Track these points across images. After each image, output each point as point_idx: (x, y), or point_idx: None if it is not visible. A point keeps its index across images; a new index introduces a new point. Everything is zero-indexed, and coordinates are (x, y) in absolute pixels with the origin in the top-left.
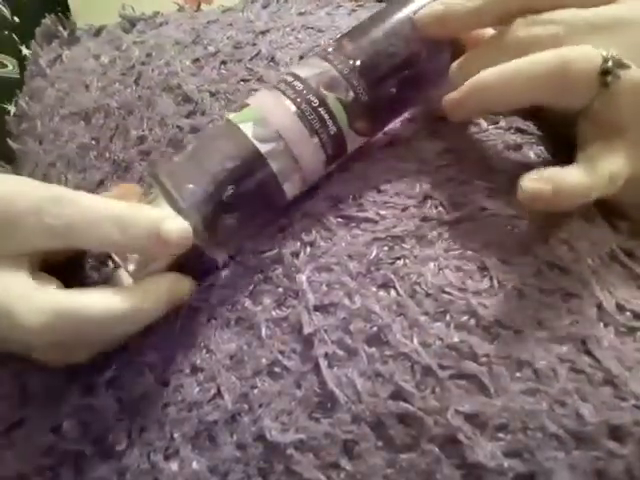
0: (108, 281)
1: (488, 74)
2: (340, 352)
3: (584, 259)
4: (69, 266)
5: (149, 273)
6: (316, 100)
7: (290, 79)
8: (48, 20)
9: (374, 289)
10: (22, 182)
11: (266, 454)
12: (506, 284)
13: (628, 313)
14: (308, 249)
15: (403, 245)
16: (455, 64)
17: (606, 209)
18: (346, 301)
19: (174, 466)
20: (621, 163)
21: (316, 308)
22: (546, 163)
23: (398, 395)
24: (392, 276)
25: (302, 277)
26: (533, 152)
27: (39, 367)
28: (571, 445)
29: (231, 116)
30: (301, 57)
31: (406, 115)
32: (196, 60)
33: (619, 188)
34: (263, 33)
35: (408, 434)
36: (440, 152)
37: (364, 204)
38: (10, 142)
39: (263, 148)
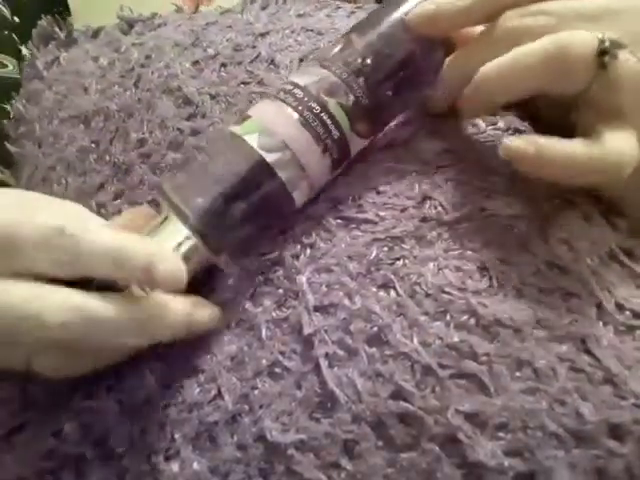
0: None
1: (487, 68)
2: (340, 352)
3: (583, 258)
4: None
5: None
6: (318, 107)
7: (290, 88)
8: (44, 21)
9: (374, 289)
10: (26, 209)
11: (267, 454)
12: (505, 284)
13: (627, 312)
14: (308, 251)
15: (403, 245)
16: (448, 61)
17: (605, 207)
18: (346, 301)
19: (175, 467)
20: (632, 142)
21: (316, 309)
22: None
23: (398, 395)
24: (392, 276)
25: (302, 278)
26: None
27: None
28: (571, 444)
29: (235, 129)
30: (301, 60)
31: (404, 115)
32: (196, 62)
33: (625, 178)
34: (262, 35)
35: (408, 434)
36: (439, 153)
37: (363, 205)
38: (8, 146)
39: (270, 158)
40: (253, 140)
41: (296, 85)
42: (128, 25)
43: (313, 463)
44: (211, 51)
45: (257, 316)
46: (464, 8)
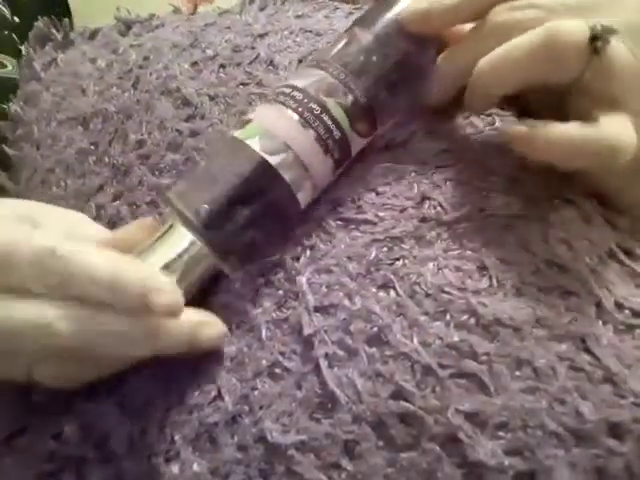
0: None
1: (481, 63)
2: (340, 352)
3: (583, 258)
4: None
5: None
6: (317, 107)
7: (288, 90)
8: (41, 22)
9: (374, 290)
10: (25, 223)
11: (267, 455)
12: (505, 283)
13: (627, 311)
14: (308, 252)
15: (402, 246)
16: (440, 58)
17: (605, 207)
18: (346, 302)
19: (175, 469)
20: (628, 127)
21: (316, 309)
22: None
23: (398, 395)
24: (392, 276)
25: (302, 279)
26: None
27: None
28: (571, 443)
29: (236, 133)
30: (300, 60)
31: (402, 115)
32: (194, 63)
33: (622, 164)
34: (261, 36)
35: (409, 433)
36: (437, 153)
37: (363, 206)
38: (6, 148)
39: (273, 160)
40: (255, 143)
41: (294, 87)
42: (126, 26)
43: (314, 464)
44: (210, 52)
45: (257, 317)
46: (454, 6)
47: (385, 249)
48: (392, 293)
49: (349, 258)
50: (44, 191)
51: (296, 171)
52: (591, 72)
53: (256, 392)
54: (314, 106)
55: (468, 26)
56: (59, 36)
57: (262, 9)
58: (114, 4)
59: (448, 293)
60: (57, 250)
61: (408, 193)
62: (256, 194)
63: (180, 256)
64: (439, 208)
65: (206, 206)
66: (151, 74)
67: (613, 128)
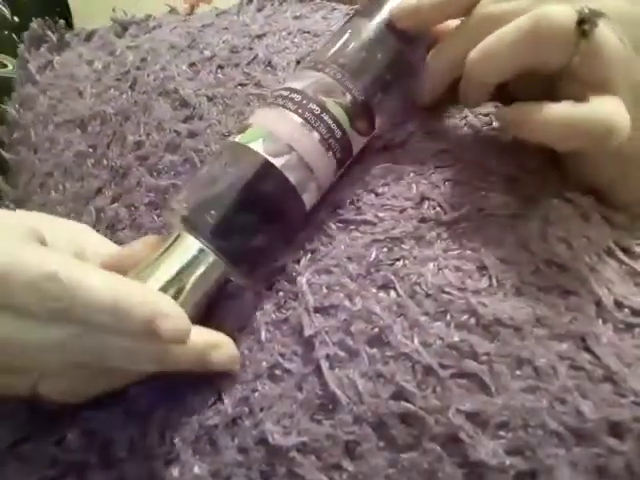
0: None
1: (473, 53)
2: (341, 353)
3: (582, 256)
4: None
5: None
6: (317, 108)
7: (286, 93)
8: (35, 24)
9: (374, 290)
10: (27, 239)
11: (268, 457)
12: (505, 283)
13: (626, 310)
14: (309, 255)
15: (402, 246)
16: (430, 53)
17: (602, 203)
18: (347, 303)
19: (175, 472)
20: (621, 108)
21: (316, 310)
22: (542, 163)
23: (399, 395)
24: (392, 277)
25: (302, 279)
26: (528, 151)
27: None
28: (571, 442)
29: (236, 138)
30: (298, 61)
31: (399, 115)
32: (192, 64)
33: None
34: (259, 37)
35: (410, 434)
36: (436, 153)
37: (362, 207)
38: (2, 152)
39: (278, 162)
40: (258, 146)
41: (292, 90)
42: (122, 28)
43: (315, 465)
44: (207, 53)
45: (257, 319)
46: (441, 2)
47: (385, 250)
48: (392, 293)
49: (349, 259)
50: (43, 195)
51: (301, 172)
52: (580, 56)
53: (256, 394)
54: (314, 107)
55: (456, 22)
56: (54, 38)
57: (260, 10)
58: (114, 4)
59: (448, 293)
60: (59, 274)
61: (407, 194)
62: (262, 197)
63: (189, 266)
64: (438, 208)
65: (213, 213)
66: (149, 75)
67: (606, 107)
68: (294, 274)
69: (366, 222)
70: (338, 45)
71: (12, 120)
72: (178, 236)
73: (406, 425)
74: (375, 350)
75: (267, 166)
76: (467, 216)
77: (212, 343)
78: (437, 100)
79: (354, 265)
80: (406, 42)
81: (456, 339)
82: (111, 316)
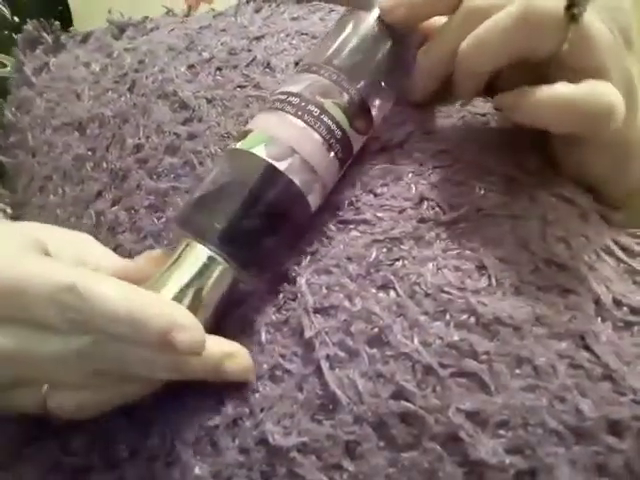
0: None
1: (464, 43)
2: (341, 354)
3: (581, 255)
4: None
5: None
6: (316, 109)
7: (284, 97)
8: (30, 25)
9: (374, 290)
10: (35, 250)
11: (269, 458)
12: (504, 282)
13: (625, 308)
14: (308, 256)
15: (401, 246)
16: (421, 49)
17: (602, 205)
18: (346, 303)
19: (176, 473)
20: (615, 91)
21: (316, 311)
22: (540, 162)
23: (399, 395)
24: (391, 277)
25: (301, 280)
26: (526, 151)
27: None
28: (571, 440)
29: (238, 145)
30: (296, 63)
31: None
32: (191, 66)
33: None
34: (257, 39)
35: (410, 433)
36: (434, 154)
37: (361, 208)
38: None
39: (282, 166)
40: (261, 151)
41: (290, 93)
42: (119, 29)
43: (315, 465)
44: (206, 55)
45: (256, 320)
46: None
47: (384, 250)
48: (392, 294)
49: (349, 259)
50: (42, 198)
51: (305, 174)
52: (570, 43)
53: (257, 395)
54: (313, 108)
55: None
56: (49, 39)
57: (257, 11)
58: (115, 4)
59: (448, 293)
60: (77, 286)
61: (406, 194)
62: (269, 201)
63: (201, 274)
64: (437, 208)
65: (221, 220)
66: (147, 78)
67: (601, 88)
68: (293, 275)
69: (365, 222)
70: (331, 46)
71: (8, 123)
72: (187, 245)
73: (406, 425)
74: (375, 350)
75: (272, 170)
76: (466, 216)
77: (227, 353)
78: (429, 97)
79: (354, 265)
80: (397, 39)
81: (456, 338)
82: (128, 327)
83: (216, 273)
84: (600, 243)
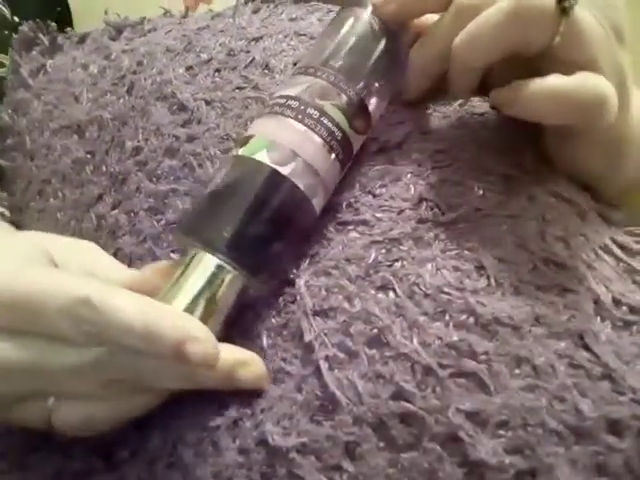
0: None
1: (458, 39)
2: (341, 355)
3: (580, 254)
4: None
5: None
6: (316, 112)
7: (282, 101)
8: (26, 26)
9: (373, 291)
10: (43, 278)
11: (268, 458)
12: (503, 282)
13: (624, 307)
14: (308, 259)
15: (400, 247)
16: (413, 47)
17: (600, 204)
18: (346, 305)
19: (176, 474)
20: (608, 83)
21: (315, 313)
22: (538, 162)
23: (399, 395)
24: (391, 278)
25: (300, 282)
26: (525, 151)
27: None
28: (571, 440)
29: (240, 151)
30: (295, 64)
31: (396, 116)
32: (189, 68)
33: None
34: (256, 40)
35: (410, 433)
36: (433, 154)
37: (360, 209)
38: None
39: (285, 170)
40: (263, 157)
41: (288, 97)
42: (116, 31)
43: (315, 466)
44: (204, 56)
45: (257, 325)
46: None
47: (383, 251)
48: (391, 294)
49: (347, 260)
50: (41, 202)
51: (308, 178)
52: (561, 37)
53: (257, 395)
54: (312, 111)
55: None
56: (46, 40)
57: (255, 12)
58: (115, 4)
59: (447, 293)
60: (91, 299)
61: (405, 194)
62: (274, 206)
63: (211, 283)
64: (436, 209)
65: (228, 228)
66: (145, 79)
67: (592, 80)
68: (292, 277)
69: (364, 223)
70: (327, 46)
71: (5, 126)
72: (194, 255)
73: (406, 425)
74: (374, 351)
75: (275, 175)
76: (465, 216)
77: (241, 361)
78: (423, 95)
79: (353, 267)
80: (391, 37)
81: (455, 339)
82: (142, 340)
83: (226, 281)
84: (599, 242)
